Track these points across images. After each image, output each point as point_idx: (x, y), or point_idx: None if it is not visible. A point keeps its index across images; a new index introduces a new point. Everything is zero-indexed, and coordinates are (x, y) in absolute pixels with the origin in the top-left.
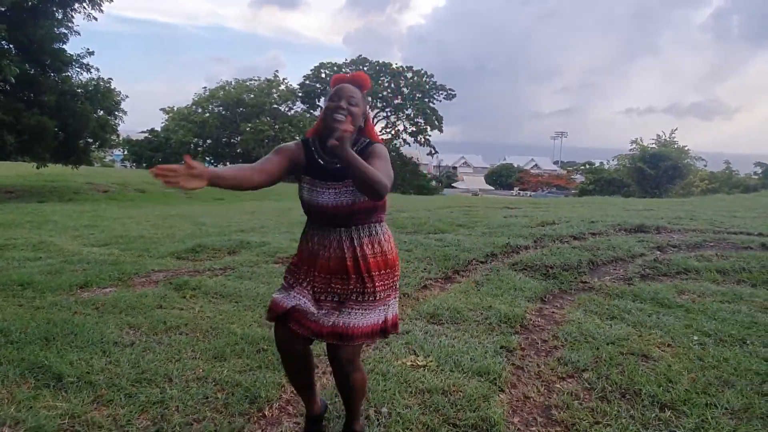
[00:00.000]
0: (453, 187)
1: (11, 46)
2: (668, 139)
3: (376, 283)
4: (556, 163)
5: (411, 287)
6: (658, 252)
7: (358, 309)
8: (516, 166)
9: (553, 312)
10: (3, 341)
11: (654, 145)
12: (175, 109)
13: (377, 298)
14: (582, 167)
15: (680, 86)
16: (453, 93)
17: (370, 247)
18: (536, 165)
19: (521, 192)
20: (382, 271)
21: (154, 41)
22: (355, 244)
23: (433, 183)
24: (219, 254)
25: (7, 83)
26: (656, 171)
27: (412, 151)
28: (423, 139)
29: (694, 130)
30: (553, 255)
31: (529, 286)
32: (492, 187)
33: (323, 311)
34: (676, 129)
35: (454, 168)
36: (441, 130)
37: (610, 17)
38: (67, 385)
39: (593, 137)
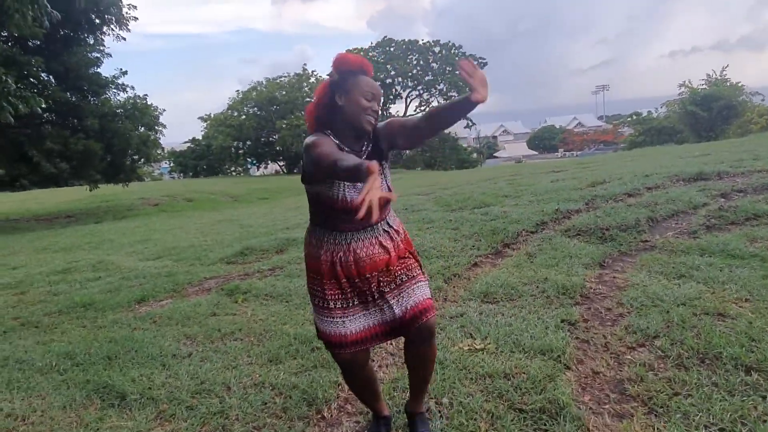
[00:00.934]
0: (495, 157)
1: (50, 76)
2: (719, 78)
3: (416, 257)
4: (600, 118)
5: (461, 266)
6: (723, 199)
7: (414, 284)
8: (558, 127)
9: (614, 277)
10: (69, 364)
11: (705, 86)
12: (212, 115)
13: (421, 271)
14: (629, 119)
15: (726, 19)
16: (484, 61)
17: (397, 228)
18: (579, 123)
19: (566, 153)
20: (411, 248)
21: (185, 53)
22: (392, 234)
23: (474, 155)
24: (267, 255)
25: (35, 115)
26: (709, 113)
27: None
28: None
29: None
30: (607, 216)
31: (585, 252)
32: (536, 152)
33: (384, 307)
34: (727, 66)
35: (494, 137)
36: None
37: None
38: (130, 403)
39: (637, 87)
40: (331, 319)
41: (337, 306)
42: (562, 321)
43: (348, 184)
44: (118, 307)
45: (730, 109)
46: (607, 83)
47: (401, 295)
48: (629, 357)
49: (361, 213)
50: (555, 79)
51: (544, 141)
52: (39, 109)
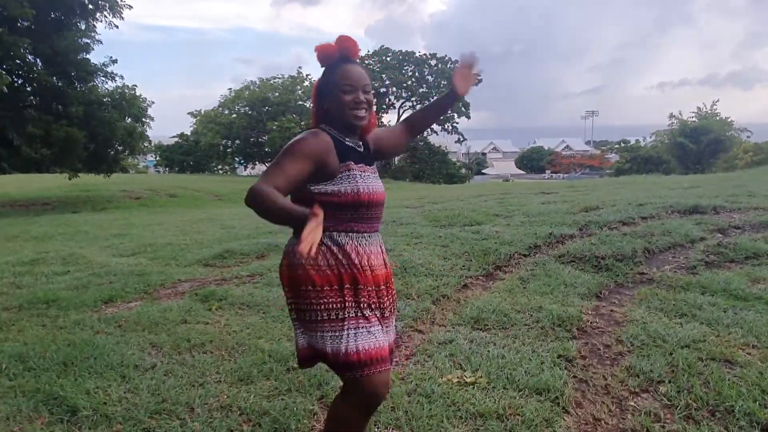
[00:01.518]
0: (483, 173)
1: (37, 59)
2: (710, 111)
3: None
4: (588, 143)
5: (450, 287)
6: (720, 235)
7: (392, 323)
8: (547, 148)
9: (611, 310)
10: (21, 369)
11: (694, 119)
12: (203, 111)
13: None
14: (616, 146)
15: (716, 55)
16: (479, 78)
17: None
18: (567, 146)
19: (553, 175)
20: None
21: (182, 47)
22: (383, 246)
23: (463, 171)
24: (247, 259)
25: (20, 97)
26: (698, 146)
27: (440, 139)
28: (450, 127)
29: (734, 101)
30: (602, 244)
31: (581, 281)
32: (523, 172)
33: (389, 328)
34: (717, 100)
35: (484, 154)
36: (468, 117)
37: None
38: (81, 419)
39: (626, 115)
40: (368, 328)
41: (374, 313)
42: (559, 356)
43: (356, 173)
44: (83, 306)
45: (718, 143)
46: (597, 109)
47: (387, 327)
48: (632, 403)
49: (304, 248)
50: (546, 101)
51: (533, 161)
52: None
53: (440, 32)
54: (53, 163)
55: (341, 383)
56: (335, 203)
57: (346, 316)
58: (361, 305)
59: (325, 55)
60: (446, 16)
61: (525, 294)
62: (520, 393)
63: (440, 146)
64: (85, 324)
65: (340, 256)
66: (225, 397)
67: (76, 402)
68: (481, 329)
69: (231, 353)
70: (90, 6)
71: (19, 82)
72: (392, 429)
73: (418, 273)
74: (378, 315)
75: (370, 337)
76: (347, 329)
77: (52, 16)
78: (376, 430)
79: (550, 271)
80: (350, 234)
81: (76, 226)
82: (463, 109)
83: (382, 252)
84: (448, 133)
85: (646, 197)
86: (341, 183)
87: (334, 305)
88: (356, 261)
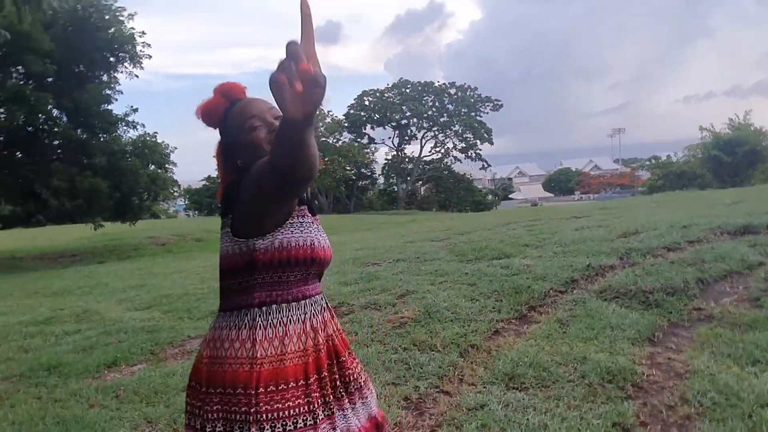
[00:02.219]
0: (510, 198)
1: (62, 113)
2: (743, 122)
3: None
4: (616, 161)
5: (480, 335)
6: None
7: (371, 389)
8: (574, 169)
9: (669, 358)
10: None
11: (728, 131)
12: None
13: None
14: (647, 163)
15: (740, 65)
16: (500, 103)
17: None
18: (596, 166)
19: (583, 196)
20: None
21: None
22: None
23: (489, 197)
24: None
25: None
26: (733, 158)
27: (464, 167)
28: (474, 154)
29: (763, 110)
30: (648, 275)
31: (629, 322)
32: (551, 194)
33: (347, 411)
34: (750, 110)
35: (509, 179)
36: (491, 143)
37: (656, 5)
38: None
39: (652, 131)
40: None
41: (325, 413)
42: (614, 425)
43: (307, 220)
44: (85, 372)
45: (755, 154)
46: (623, 126)
47: (363, 399)
48: None
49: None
50: (570, 122)
51: (560, 183)
52: None
53: (458, 61)
54: (80, 214)
55: None
56: (288, 259)
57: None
58: (314, 405)
59: (211, 110)
60: (462, 45)
61: (565, 340)
62: None
63: (465, 174)
64: (82, 395)
65: (290, 340)
66: None
67: None
68: (517, 388)
69: None
70: (111, 59)
71: (44, 136)
72: None
73: (443, 318)
74: (332, 411)
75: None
76: None
77: (76, 69)
78: None
79: (592, 310)
80: (302, 303)
81: (98, 278)
82: (485, 135)
83: (331, 314)
84: (472, 160)
85: (689, 217)
86: (293, 232)
87: (286, 409)
88: (320, 339)
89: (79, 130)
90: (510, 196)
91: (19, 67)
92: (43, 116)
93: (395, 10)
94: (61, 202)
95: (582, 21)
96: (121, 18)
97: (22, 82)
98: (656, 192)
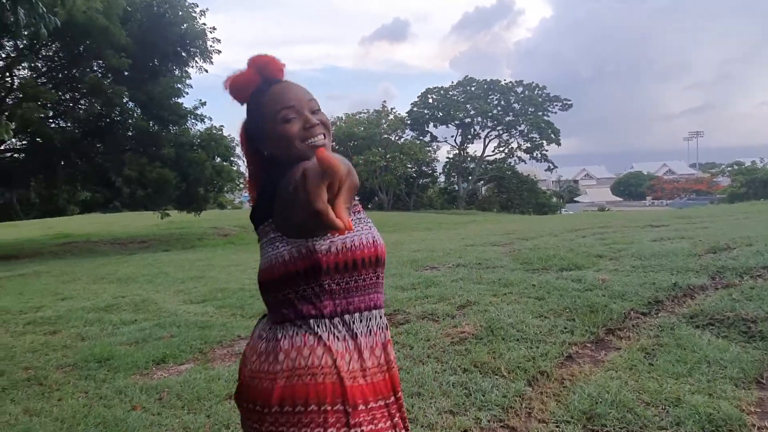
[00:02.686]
0: (575, 201)
1: (136, 105)
2: None
3: None
4: (692, 166)
5: (550, 359)
6: None
7: None
8: (646, 173)
9: None
10: None
11: None
12: None
13: None
14: (728, 169)
15: None
16: (569, 103)
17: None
18: (670, 170)
19: (655, 201)
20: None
21: None
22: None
23: (554, 200)
24: None
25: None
26: None
27: (529, 168)
28: (539, 155)
29: None
30: (749, 300)
31: (730, 357)
32: (620, 199)
33: None
34: None
35: (576, 182)
36: (558, 144)
37: (740, 1)
38: None
39: (734, 134)
40: None
41: None
42: None
43: (365, 216)
44: (133, 367)
45: None
46: (701, 129)
47: None
48: None
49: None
50: (643, 124)
51: (630, 187)
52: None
53: (526, 59)
54: (149, 203)
55: None
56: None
57: None
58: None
59: (240, 85)
60: (532, 43)
61: (653, 375)
62: None
63: (529, 175)
64: (126, 394)
65: (330, 357)
66: None
67: None
68: (597, 431)
69: None
70: (183, 54)
71: (119, 127)
72: None
73: (507, 336)
74: None
75: None
76: None
77: (149, 64)
78: None
79: (682, 339)
80: (345, 317)
81: (161, 266)
82: (552, 135)
83: (386, 343)
84: (537, 161)
85: None
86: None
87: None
88: (391, 356)
89: (150, 122)
90: (575, 199)
91: (100, 61)
92: (119, 108)
93: (463, 8)
94: (133, 191)
95: (659, 17)
96: (193, 14)
97: (100, 75)
98: (738, 200)
